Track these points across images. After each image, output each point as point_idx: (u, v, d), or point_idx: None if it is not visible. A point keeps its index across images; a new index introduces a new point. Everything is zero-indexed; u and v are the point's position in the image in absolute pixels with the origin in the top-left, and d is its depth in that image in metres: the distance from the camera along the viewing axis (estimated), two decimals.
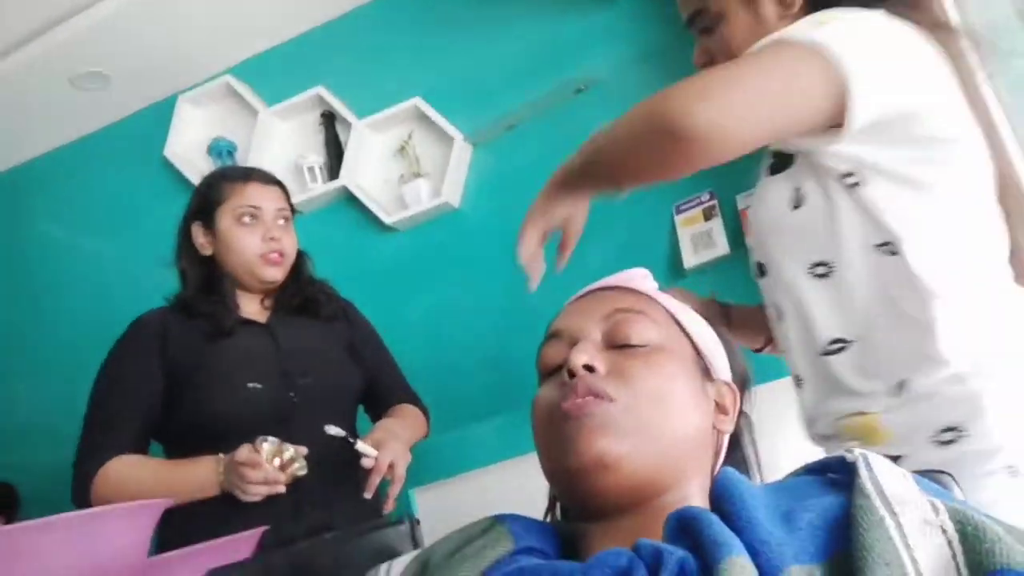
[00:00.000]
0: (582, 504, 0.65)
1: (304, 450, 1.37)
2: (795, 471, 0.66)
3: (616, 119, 0.92)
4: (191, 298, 1.55)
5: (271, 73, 2.69)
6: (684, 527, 0.53)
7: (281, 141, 2.64)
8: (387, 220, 2.42)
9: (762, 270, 1.10)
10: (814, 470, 0.63)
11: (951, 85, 0.97)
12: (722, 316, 1.29)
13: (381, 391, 1.70)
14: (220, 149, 2.66)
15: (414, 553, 0.70)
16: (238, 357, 1.50)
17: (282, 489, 1.33)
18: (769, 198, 1.03)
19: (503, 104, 2.39)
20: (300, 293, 1.64)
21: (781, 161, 1.03)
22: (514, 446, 1.97)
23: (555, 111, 2.35)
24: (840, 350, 0.98)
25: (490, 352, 2.31)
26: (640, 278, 0.80)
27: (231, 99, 2.72)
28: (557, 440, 0.65)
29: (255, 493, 1.31)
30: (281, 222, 1.60)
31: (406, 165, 2.47)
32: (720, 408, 0.73)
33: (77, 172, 2.89)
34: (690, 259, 2.09)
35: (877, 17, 0.94)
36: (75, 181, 2.89)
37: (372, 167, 2.53)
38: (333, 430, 1.41)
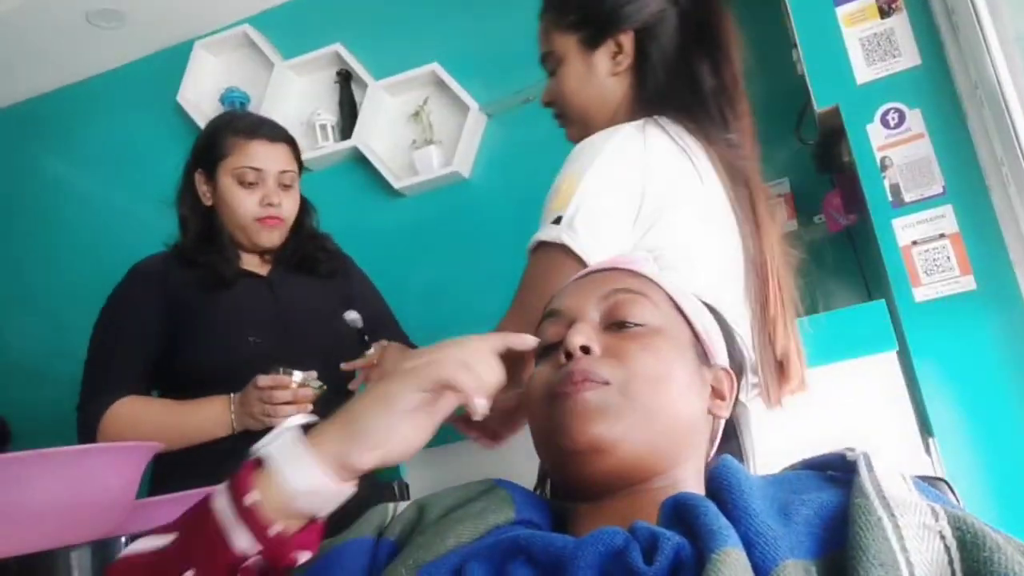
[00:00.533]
0: (574, 485, 0.65)
1: (313, 373, 1.36)
2: (793, 465, 0.66)
3: None
4: (191, 247, 1.53)
5: (289, 26, 2.66)
6: (679, 513, 0.53)
7: (295, 96, 2.62)
8: (396, 184, 2.40)
9: None
10: (813, 466, 0.63)
11: (679, 185, 1.01)
12: None
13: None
14: (233, 99, 2.64)
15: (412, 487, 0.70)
16: (238, 309, 1.49)
17: (309, 407, 1.33)
18: None
19: (522, 77, 2.36)
20: (300, 250, 1.61)
21: None
22: None
23: None
24: None
25: (489, 325, 2.31)
26: (642, 260, 0.79)
27: (247, 49, 2.69)
28: (551, 421, 0.65)
29: (285, 415, 1.31)
30: (284, 184, 1.55)
31: (419, 131, 2.45)
32: (716, 393, 0.73)
33: (87, 110, 2.87)
34: (864, 72, 1.77)
35: (614, 149, 1.00)
36: (84, 119, 2.87)
37: (385, 130, 2.51)
38: (351, 315, 1.40)
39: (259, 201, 1.50)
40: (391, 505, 0.68)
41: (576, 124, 1.14)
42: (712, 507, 0.52)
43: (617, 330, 0.69)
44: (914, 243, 1.57)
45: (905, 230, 1.59)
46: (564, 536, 0.54)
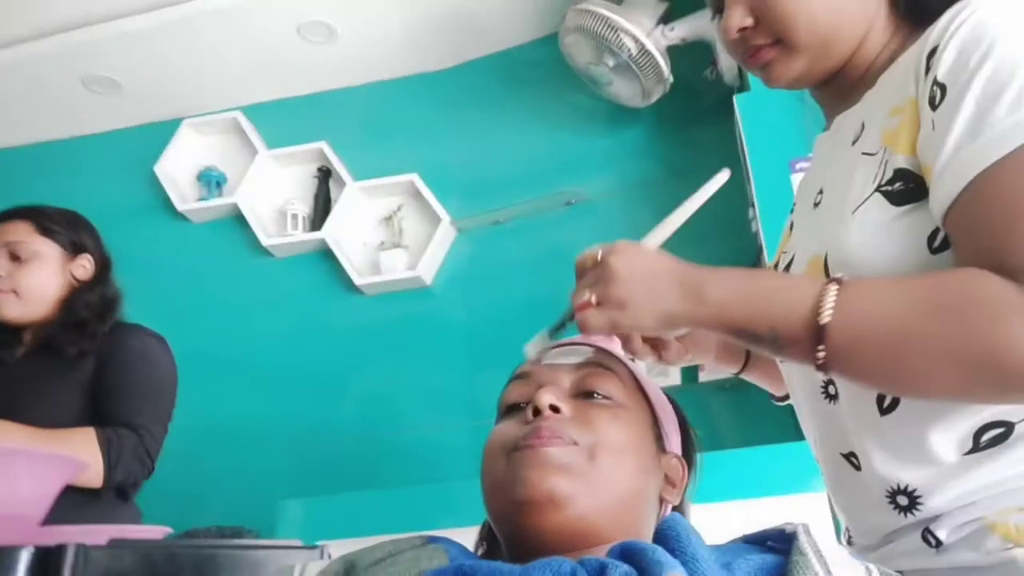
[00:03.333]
0: (522, 540, 0.64)
1: None
2: (732, 540, 0.66)
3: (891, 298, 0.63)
4: None
5: (279, 120, 2.76)
6: (626, 554, 0.53)
7: (272, 183, 2.68)
8: (357, 281, 2.43)
9: None
10: (750, 540, 0.64)
11: None
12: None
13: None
14: (210, 178, 2.69)
15: (327, 561, 0.67)
16: None
17: None
18: (892, 231, 0.69)
19: (496, 199, 2.48)
20: (49, 330, 1.50)
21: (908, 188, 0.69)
22: (419, 521, 1.92)
23: (543, 217, 2.44)
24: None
25: (419, 430, 2.28)
26: (614, 341, 0.82)
27: (234, 134, 2.78)
28: (510, 472, 0.65)
29: None
30: (14, 256, 1.48)
31: (389, 234, 2.51)
32: (668, 480, 0.74)
33: (64, 169, 2.88)
34: None
35: None
36: (57, 177, 2.87)
37: (356, 228, 2.56)
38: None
39: None
40: (297, 567, 0.66)
41: (806, 52, 0.77)
42: (659, 549, 0.52)
43: (585, 399, 0.71)
44: None
45: None
46: (511, 565, 0.53)
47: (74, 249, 1.54)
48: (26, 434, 1.30)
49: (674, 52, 2.22)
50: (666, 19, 2.23)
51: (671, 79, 2.22)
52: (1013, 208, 0.59)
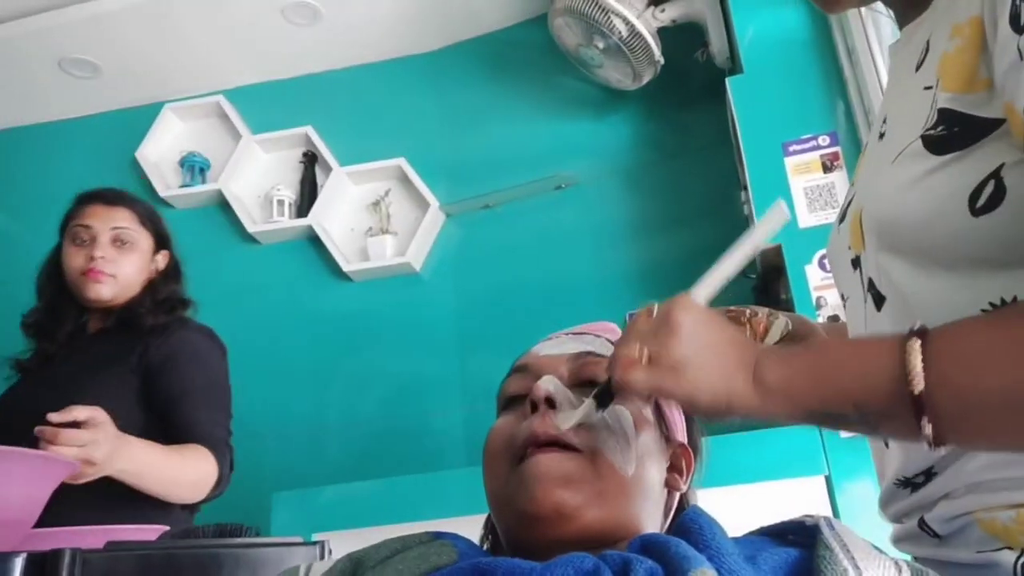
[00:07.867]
0: (531, 547, 0.63)
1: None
2: (750, 532, 0.65)
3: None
4: (30, 320, 1.55)
5: (263, 104, 2.71)
6: (648, 549, 0.52)
7: (257, 169, 2.63)
8: (345, 267, 2.40)
9: (878, 298, 0.68)
10: (770, 533, 0.63)
11: None
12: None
13: (172, 434, 1.42)
14: (193, 163, 2.64)
15: (334, 558, 0.66)
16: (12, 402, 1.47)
17: None
18: (927, 187, 0.58)
19: (485, 183, 2.45)
20: (130, 307, 1.52)
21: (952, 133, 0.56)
22: (413, 511, 1.91)
23: (533, 201, 2.41)
24: None
25: (410, 418, 2.27)
26: (613, 328, 0.81)
27: (217, 119, 2.72)
28: (513, 481, 0.63)
29: None
30: (120, 242, 1.51)
31: (376, 220, 2.48)
32: (674, 468, 0.73)
33: (42, 154, 2.81)
34: (806, 218, 1.78)
35: None
36: (36, 162, 2.80)
37: (342, 214, 2.53)
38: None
39: (86, 256, 1.49)
40: (302, 567, 0.65)
41: None
42: (683, 543, 0.51)
43: (584, 390, 0.70)
44: None
45: None
46: (531, 563, 0.52)
47: (160, 243, 1.61)
48: (157, 450, 1.32)
49: (665, 34, 2.20)
50: (656, 1, 2.21)
51: (662, 61, 2.20)
52: None
